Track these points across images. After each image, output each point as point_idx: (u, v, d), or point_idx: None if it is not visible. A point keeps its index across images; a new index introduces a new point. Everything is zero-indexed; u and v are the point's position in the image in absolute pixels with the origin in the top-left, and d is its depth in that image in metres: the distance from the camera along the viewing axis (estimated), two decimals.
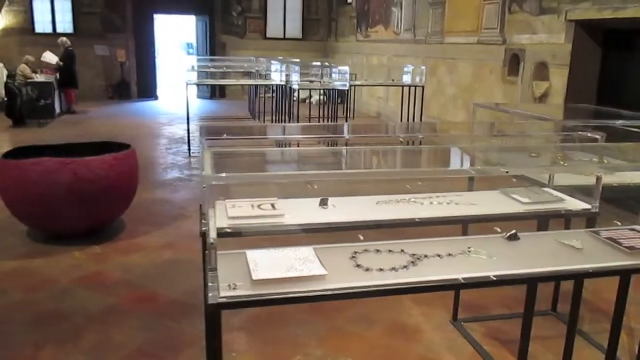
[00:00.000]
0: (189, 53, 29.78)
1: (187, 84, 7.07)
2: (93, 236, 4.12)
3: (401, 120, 8.44)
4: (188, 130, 7.27)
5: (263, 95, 10.10)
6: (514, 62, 6.99)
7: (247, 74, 11.74)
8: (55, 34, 12.81)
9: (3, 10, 12.46)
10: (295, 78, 7.04)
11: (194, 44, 33.23)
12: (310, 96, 12.44)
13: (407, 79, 8.13)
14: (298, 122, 7.20)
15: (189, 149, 7.24)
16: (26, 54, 10.71)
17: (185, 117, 9.89)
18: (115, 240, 4.13)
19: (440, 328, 2.98)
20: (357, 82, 7.44)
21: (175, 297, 3.26)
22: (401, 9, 10.12)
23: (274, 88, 8.94)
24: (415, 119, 7.93)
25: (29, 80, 9.92)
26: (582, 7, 5.81)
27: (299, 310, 3.08)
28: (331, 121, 7.84)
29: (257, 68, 10.04)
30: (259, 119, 10.35)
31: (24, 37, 12.68)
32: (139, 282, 3.46)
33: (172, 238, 4.21)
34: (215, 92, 13.97)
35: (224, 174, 1.23)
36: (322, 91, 10.67)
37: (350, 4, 13.05)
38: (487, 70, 7.51)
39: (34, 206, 3.78)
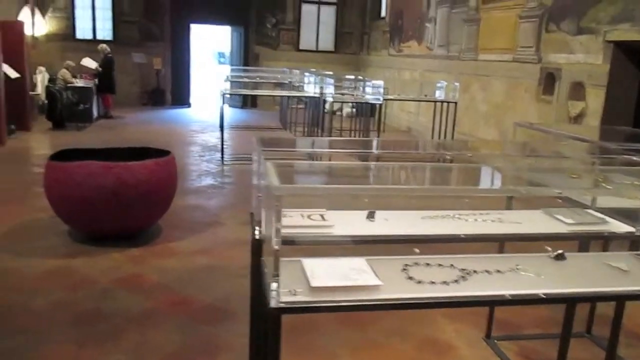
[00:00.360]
0: (220, 62, 30.26)
1: (222, 94, 7.19)
2: (131, 239, 4.22)
3: (432, 136, 8.44)
4: (222, 138, 7.38)
5: (295, 106, 10.24)
6: (549, 81, 6.96)
7: (279, 85, 11.91)
8: (95, 41, 13.19)
9: (47, 17, 12.89)
10: (329, 90, 7.11)
11: (226, 54, 33.69)
12: (341, 109, 12.51)
13: (440, 94, 8.16)
14: (330, 134, 7.26)
15: (222, 157, 7.35)
16: (67, 60, 11.06)
17: (218, 125, 10.13)
18: (152, 244, 4.22)
19: (474, 345, 2.98)
20: (389, 97, 7.49)
21: (210, 302, 3.33)
22: (435, 24, 10.16)
23: (306, 100, 9.06)
24: (446, 135, 7.94)
25: (69, 84, 10.22)
26: (621, 28, 5.77)
27: (332, 321, 3.11)
28: (362, 135, 7.89)
29: (289, 79, 10.18)
30: (290, 129, 10.47)
31: (65, 43, 13.07)
32: (174, 286, 3.53)
33: (206, 244, 4.29)
34: (247, 102, 14.16)
35: (293, 185, 1.28)
36: (352, 104, 10.77)
37: (383, 18, 13.15)
38: (522, 89, 7.48)
39: (77, 207, 3.91)
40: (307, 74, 8.88)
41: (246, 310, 3.20)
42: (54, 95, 9.35)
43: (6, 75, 8.21)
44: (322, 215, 1.80)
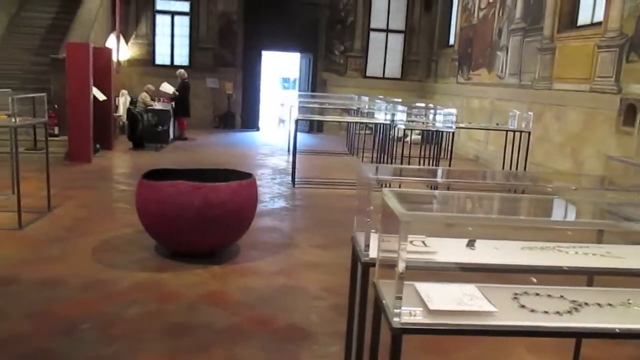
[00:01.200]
0: (284, 87, 30.97)
1: (296, 120, 7.41)
2: (212, 257, 4.41)
3: (503, 166, 8.31)
4: (294, 162, 7.56)
5: (363, 132, 10.36)
6: (630, 112, 6.73)
7: (346, 111, 12.11)
8: (172, 66, 13.90)
9: (130, 43, 13.71)
10: (400, 117, 7.18)
11: (290, 79, 34.42)
12: (406, 135, 12.52)
13: (512, 123, 8.05)
14: (401, 161, 7.29)
15: (293, 180, 7.52)
16: (146, 84, 11.70)
17: (287, 149, 10.38)
18: (232, 263, 4.39)
19: None
20: (461, 125, 7.47)
21: (291, 322, 3.42)
22: (507, 53, 10.07)
23: (372, 126, 9.16)
24: (518, 165, 7.81)
25: (149, 107, 10.80)
26: None
27: (413, 347, 3.12)
28: (433, 163, 7.86)
29: (358, 106, 10.33)
30: (356, 155, 10.59)
31: (145, 68, 13.85)
32: (257, 304, 3.65)
33: (283, 265, 4.41)
34: (314, 126, 14.43)
35: (422, 212, 1.36)
36: (419, 131, 10.77)
37: (452, 46, 13.15)
38: (599, 119, 7.28)
39: (166, 224, 4.13)
40: (377, 100, 8.99)
41: (327, 331, 3.29)
42: (135, 117, 9.90)
43: (95, 98, 8.79)
44: (423, 242, 1.86)
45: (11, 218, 5.26)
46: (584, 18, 8.08)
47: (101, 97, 8.98)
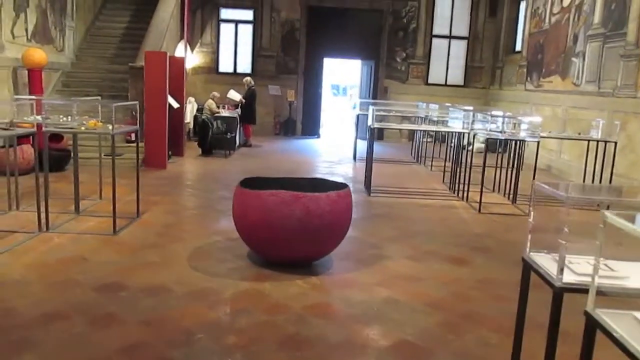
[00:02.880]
0: (334, 94, 30.97)
1: (373, 128, 7.33)
2: (308, 267, 4.37)
3: (584, 177, 7.99)
4: (369, 171, 7.48)
5: (426, 140, 10.20)
6: None
7: (407, 119, 11.97)
8: (235, 74, 14.12)
9: (195, 51, 13.99)
10: (479, 126, 6.99)
11: (340, 86, 34.27)
12: (469, 144, 12.26)
13: (594, 132, 7.73)
14: (470, 169, 7.08)
15: (369, 189, 7.44)
16: (210, 91, 11.89)
17: (352, 156, 10.31)
18: (329, 274, 4.33)
19: None
20: (543, 134, 7.20)
21: (406, 338, 3.32)
22: (583, 59, 9.71)
23: (447, 134, 8.98)
24: (602, 177, 7.49)
25: (216, 114, 10.96)
26: None
27: None
28: (509, 172, 7.60)
29: (426, 114, 10.18)
30: (423, 163, 10.42)
31: (209, 76, 14.11)
32: (365, 318, 3.58)
33: (381, 277, 4.31)
34: (374, 134, 14.28)
35: None
36: (483, 139, 10.50)
37: (519, 52, 12.81)
38: None
39: (267, 233, 4.11)
40: (451, 109, 8.81)
41: (445, 349, 3.18)
42: (206, 124, 10.05)
43: (169, 105, 8.97)
44: (606, 265, 1.74)
45: (103, 223, 5.40)
46: None
47: (175, 104, 9.16)
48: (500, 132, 7.58)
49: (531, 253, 1.94)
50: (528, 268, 1.98)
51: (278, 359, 3.01)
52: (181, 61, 9.92)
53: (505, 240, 5.57)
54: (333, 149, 12.47)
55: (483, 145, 10.57)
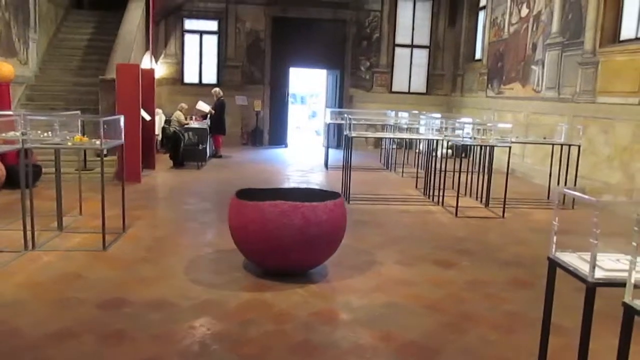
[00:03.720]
0: (292, 102, 31.02)
1: (350, 137, 7.49)
2: (304, 275, 4.45)
3: (550, 179, 8.39)
4: (348, 179, 7.62)
5: (396, 147, 10.44)
6: None
7: (372, 127, 12.25)
8: (201, 85, 14.07)
9: (159, 62, 13.86)
10: (450, 133, 7.25)
11: (297, 95, 34.38)
12: (435, 149, 12.62)
13: (559, 137, 8.13)
14: (443, 175, 7.34)
15: (347, 197, 7.57)
16: (175, 102, 11.82)
17: (324, 164, 10.44)
18: (326, 281, 4.43)
19: None
20: (514, 139, 7.52)
21: (413, 339, 3.44)
22: (543, 67, 10.18)
23: (416, 142, 9.23)
24: (567, 178, 7.89)
25: (185, 125, 10.90)
26: None
27: None
28: (478, 176, 7.90)
29: (396, 122, 10.44)
30: (394, 170, 10.66)
31: (174, 87, 14.00)
32: (369, 322, 3.68)
33: (376, 282, 4.44)
34: (341, 142, 14.49)
35: None
36: (448, 145, 10.87)
37: (479, 60, 13.28)
38: None
39: (266, 243, 4.17)
40: (422, 116, 9.07)
41: (453, 347, 3.31)
42: (177, 136, 9.99)
43: (142, 118, 8.88)
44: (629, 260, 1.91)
45: (89, 239, 5.34)
46: (627, 33, 8.18)
47: (147, 117, 9.07)
48: (471, 138, 7.87)
49: (557, 253, 2.09)
50: (554, 266, 2.13)
51: None
52: (151, 73, 9.84)
53: (486, 242, 5.80)
54: (302, 157, 12.58)
55: (448, 151, 10.98)
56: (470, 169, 8.32)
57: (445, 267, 4.92)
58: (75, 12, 12.31)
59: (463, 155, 9.12)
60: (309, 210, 4.16)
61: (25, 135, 5.16)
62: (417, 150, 12.20)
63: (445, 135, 7.60)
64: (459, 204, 7.13)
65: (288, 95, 14.82)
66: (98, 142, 5.05)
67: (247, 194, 4.63)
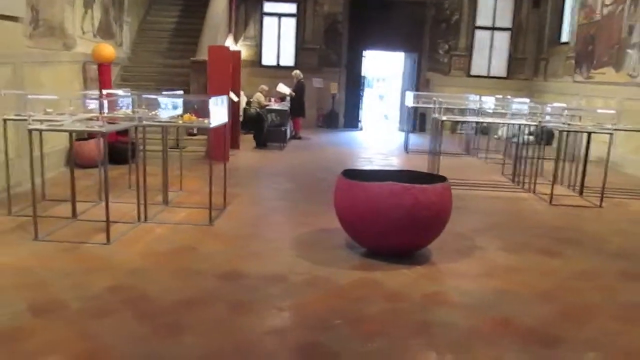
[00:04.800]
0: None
1: (440, 121, 7.40)
2: (409, 257, 4.48)
3: None
4: (437, 164, 7.56)
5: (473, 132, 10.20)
6: None
7: (449, 111, 11.98)
8: (278, 67, 14.26)
9: (239, 44, 14.12)
10: (557, 120, 7.02)
11: (367, 78, 34.09)
12: (514, 135, 12.26)
13: None
14: (535, 162, 7.14)
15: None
16: (253, 84, 12.04)
17: (403, 147, 10.38)
18: (431, 264, 4.44)
19: None
20: (621, 127, 7.19)
21: (533, 325, 3.41)
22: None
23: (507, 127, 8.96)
24: None
25: (265, 107, 11.11)
26: None
27: None
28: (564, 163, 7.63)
29: (482, 105, 10.22)
30: (476, 156, 10.48)
31: (252, 69, 14.24)
32: (483, 306, 3.68)
33: (483, 268, 4.42)
34: (416, 126, 14.36)
35: None
36: (530, 131, 10.52)
37: (566, 43, 12.73)
38: None
39: (375, 224, 4.22)
40: (517, 100, 8.83)
41: (574, 336, 3.27)
42: (261, 117, 10.20)
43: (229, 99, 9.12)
44: None
45: (194, 214, 5.59)
46: None
47: (235, 98, 9.30)
48: (566, 124, 7.60)
49: None
50: None
51: (417, 344, 3.14)
52: (237, 54, 10.06)
53: (586, 232, 5.62)
54: (378, 141, 12.56)
55: (530, 137, 10.65)
56: (555, 156, 8.05)
57: (549, 256, 4.81)
58: None
59: (545, 142, 8.80)
60: (419, 192, 4.17)
61: (136, 114, 5.44)
62: (496, 136, 11.94)
63: (540, 121, 7.35)
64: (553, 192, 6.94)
65: (364, 78, 14.76)
66: (206, 120, 5.24)
67: (350, 174, 4.68)
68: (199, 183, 7.06)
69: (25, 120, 4.53)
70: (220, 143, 8.60)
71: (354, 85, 14.60)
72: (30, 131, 4.43)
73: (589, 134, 7.16)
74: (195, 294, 3.66)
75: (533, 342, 3.23)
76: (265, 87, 12.10)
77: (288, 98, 12.01)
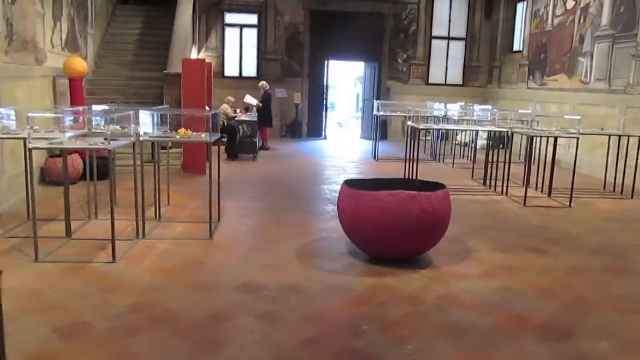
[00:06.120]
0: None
1: (412, 129, 7.67)
2: (411, 262, 4.65)
3: (606, 170, 8.53)
4: (415, 169, 7.81)
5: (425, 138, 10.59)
6: None
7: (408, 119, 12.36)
8: (241, 78, 14.27)
9: (200, 56, 14.04)
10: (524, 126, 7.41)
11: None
12: (471, 141, 12.79)
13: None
14: (506, 166, 7.56)
15: None
16: (217, 96, 12.02)
17: (372, 155, 10.61)
18: (434, 267, 4.63)
19: None
20: (585, 131, 7.67)
21: (543, 320, 3.65)
22: (592, 59, 10.30)
23: (475, 133, 9.37)
24: (625, 170, 8.06)
25: (235, 118, 11.12)
26: None
27: None
28: (526, 167, 8.08)
29: (445, 112, 10.62)
30: (442, 161, 10.87)
31: (215, 80, 14.03)
32: (494, 304, 3.90)
33: (482, 268, 4.65)
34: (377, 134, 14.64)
35: None
36: (487, 136, 11.04)
37: (519, 52, 13.39)
38: None
39: (384, 232, 4.37)
40: (480, 107, 9.23)
41: (586, 329, 3.52)
42: (234, 128, 10.19)
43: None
44: None
45: (190, 228, 5.59)
46: None
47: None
48: (535, 130, 8.03)
49: None
50: None
51: (447, 345, 3.30)
52: (209, 66, 10.03)
53: (565, 231, 5.99)
54: (343, 149, 12.78)
55: (485, 142, 11.14)
56: (526, 160, 8.49)
57: (539, 254, 5.12)
58: (121, 7, 12.48)
59: (501, 146, 9.27)
60: (424, 199, 4.37)
61: (124, 129, 5.39)
62: (455, 142, 12.41)
63: (510, 127, 7.75)
64: (522, 194, 7.33)
65: (326, 88, 14.98)
66: (203, 135, 5.26)
67: (350, 184, 4.83)
68: (183, 197, 7.04)
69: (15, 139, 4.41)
70: (196, 156, 8.60)
71: (317, 94, 14.79)
72: (30, 150, 4.33)
73: (555, 138, 7.59)
74: (220, 308, 3.69)
75: (548, 335, 3.46)
76: (231, 99, 12.10)
77: (254, 109, 12.05)
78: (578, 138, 7.29)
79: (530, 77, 12.70)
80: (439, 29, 14.87)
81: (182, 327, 3.40)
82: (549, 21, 11.93)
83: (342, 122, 22.85)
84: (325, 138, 14.72)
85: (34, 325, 3.37)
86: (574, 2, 10.99)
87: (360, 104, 25.52)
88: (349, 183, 4.81)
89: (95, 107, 6.27)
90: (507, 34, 14.22)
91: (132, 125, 4.89)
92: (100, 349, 3.10)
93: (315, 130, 14.83)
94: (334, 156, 11.64)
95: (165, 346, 3.15)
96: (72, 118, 5.62)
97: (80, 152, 7.25)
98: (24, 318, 3.45)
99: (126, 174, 6.65)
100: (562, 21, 11.42)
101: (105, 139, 4.51)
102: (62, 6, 8.46)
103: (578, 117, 7.42)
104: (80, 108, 6.46)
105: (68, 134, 4.87)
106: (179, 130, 5.42)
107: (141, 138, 5.11)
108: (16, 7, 6.66)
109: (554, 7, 11.73)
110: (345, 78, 26.16)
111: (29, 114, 4.36)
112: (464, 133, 11.99)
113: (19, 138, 4.87)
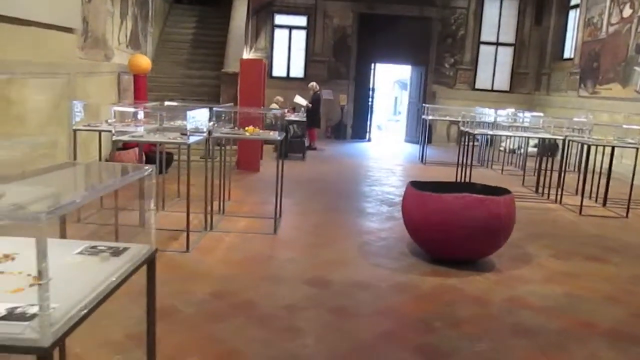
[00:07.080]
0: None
1: (466, 134, 7.71)
2: (474, 264, 4.73)
3: None
4: (469, 175, 7.86)
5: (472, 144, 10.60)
6: None
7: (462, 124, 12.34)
8: (288, 78, 14.49)
9: (250, 55, 14.33)
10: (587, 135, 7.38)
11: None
12: (520, 147, 12.69)
13: None
14: (560, 173, 7.53)
15: None
16: (270, 96, 12.24)
17: (418, 158, 10.67)
18: (498, 270, 4.70)
19: None
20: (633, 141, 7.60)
21: (611, 326, 3.69)
22: None
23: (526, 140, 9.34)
24: None
25: (286, 118, 11.31)
26: None
27: None
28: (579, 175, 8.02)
29: (496, 118, 10.61)
30: (489, 167, 10.85)
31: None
32: (562, 309, 3.95)
33: (544, 274, 4.69)
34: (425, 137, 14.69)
35: None
36: (535, 144, 10.96)
37: (570, 59, 13.24)
38: None
39: (449, 234, 4.47)
40: (531, 114, 9.20)
41: None
42: (286, 129, 10.39)
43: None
44: None
45: (254, 223, 5.79)
46: None
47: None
48: (591, 138, 7.96)
49: None
50: None
51: (519, 345, 3.38)
52: (264, 65, 10.26)
53: (624, 241, 5.96)
54: (387, 152, 12.87)
55: (534, 149, 11.07)
56: (581, 169, 8.43)
57: (600, 263, 5.13)
58: (176, 6, 12.87)
59: (549, 154, 9.21)
60: (492, 203, 4.45)
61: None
62: (501, 148, 12.37)
63: (565, 135, 7.73)
64: (576, 203, 7.30)
65: (372, 91, 15.09)
66: (271, 133, 5.45)
67: (414, 185, 4.93)
68: (241, 193, 7.26)
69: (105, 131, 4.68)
70: (251, 154, 8.83)
71: (362, 97, 14.91)
72: (114, 142, 4.59)
73: (612, 148, 7.52)
74: (293, 299, 3.85)
75: (618, 340, 3.51)
76: (280, 99, 12.33)
77: (302, 109, 12.24)
78: (638, 148, 7.19)
79: (582, 85, 12.54)
80: (487, 34, 14.81)
81: (262, 315, 3.57)
82: (604, 29, 11.77)
83: (382, 125, 22.91)
84: (369, 140, 14.83)
85: (132, 308, 3.58)
86: (631, 10, 10.82)
87: (398, 108, 25.66)
88: (415, 184, 4.92)
89: (167, 103, 6.54)
90: (557, 41, 14.07)
91: (209, 123, 5.09)
92: (190, 332, 3.30)
93: (360, 132, 14.96)
94: (381, 158, 11.74)
95: (249, 333, 3.32)
96: (142, 113, 5.89)
97: (146, 146, 7.54)
98: (117, 301, 3.67)
99: (183, 168, 6.92)
100: (617, 29, 11.26)
101: (184, 133, 4.74)
102: (128, 5, 8.81)
103: (638, 127, 7.33)
104: (149, 104, 6.74)
105: (141, 128, 5.13)
106: (246, 128, 5.62)
107: (213, 134, 5.32)
108: (91, 5, 6.99)
109: (609, 15, 11.57)
110: (384, 81, 26.20)
111: (114, 108, 4.62)
112: (509, 140, 11.94)
113: (107, 131, 5.13)
